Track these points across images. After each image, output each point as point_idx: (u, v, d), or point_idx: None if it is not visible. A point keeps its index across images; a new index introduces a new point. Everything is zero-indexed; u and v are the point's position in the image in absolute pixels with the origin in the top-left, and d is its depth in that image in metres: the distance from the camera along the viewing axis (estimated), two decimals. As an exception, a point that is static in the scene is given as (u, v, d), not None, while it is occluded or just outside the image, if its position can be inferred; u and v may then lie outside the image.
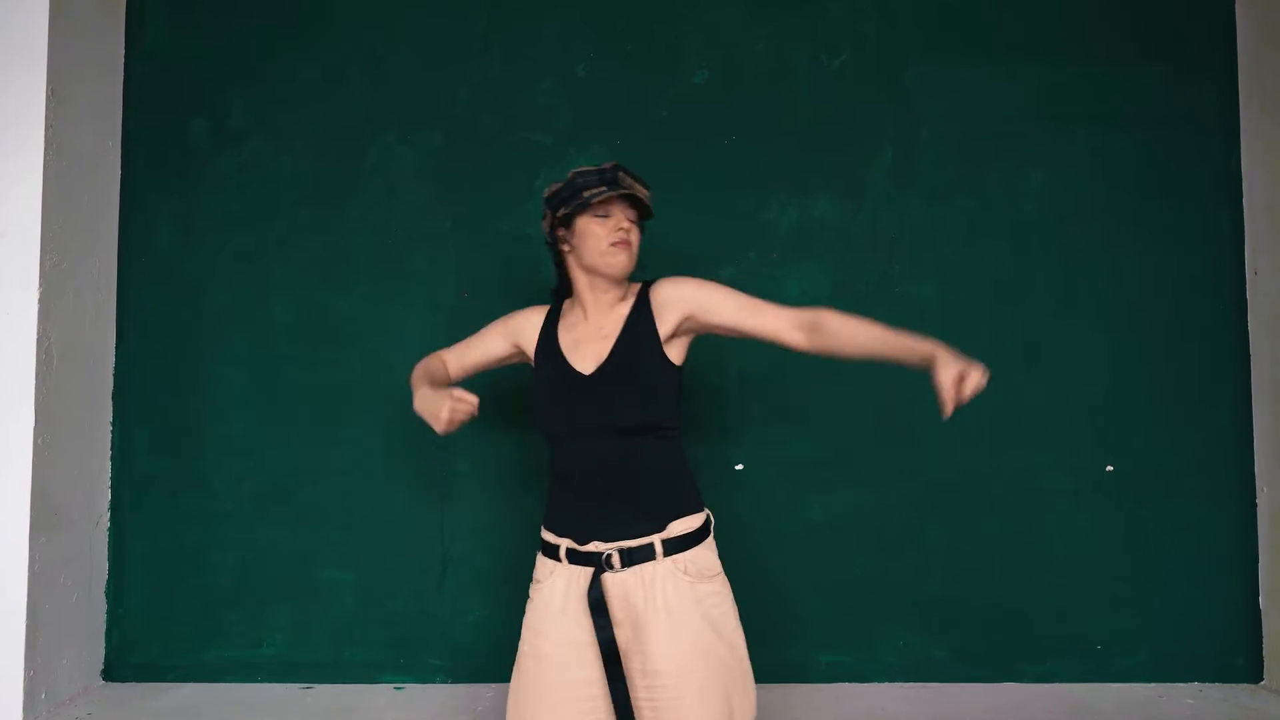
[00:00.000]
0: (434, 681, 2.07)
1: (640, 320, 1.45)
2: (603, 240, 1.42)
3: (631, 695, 1.32)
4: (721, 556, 2.03)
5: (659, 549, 1.35)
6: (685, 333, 1.47)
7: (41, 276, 1.86)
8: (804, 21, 2.15)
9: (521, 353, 1.58)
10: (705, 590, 1.36)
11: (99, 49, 2.06)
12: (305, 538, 2.09)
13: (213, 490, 2.09)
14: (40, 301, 1.85)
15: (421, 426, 2.07)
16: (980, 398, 2.07)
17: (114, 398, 2.10)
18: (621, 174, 1.46)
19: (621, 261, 1.43)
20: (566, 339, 1.49)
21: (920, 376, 2.09)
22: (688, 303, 1.44)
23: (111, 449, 2.09)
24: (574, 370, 1.44)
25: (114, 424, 2.10)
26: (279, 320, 2.11)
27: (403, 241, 2.12)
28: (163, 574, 2.09)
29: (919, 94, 2.14)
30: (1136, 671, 2.07)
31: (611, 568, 1.34)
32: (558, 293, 1.60)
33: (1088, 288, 2.12)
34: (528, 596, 1.43)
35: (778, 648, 2.07)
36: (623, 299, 1.50)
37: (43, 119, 1.86)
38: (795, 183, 2.13)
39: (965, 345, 2.08)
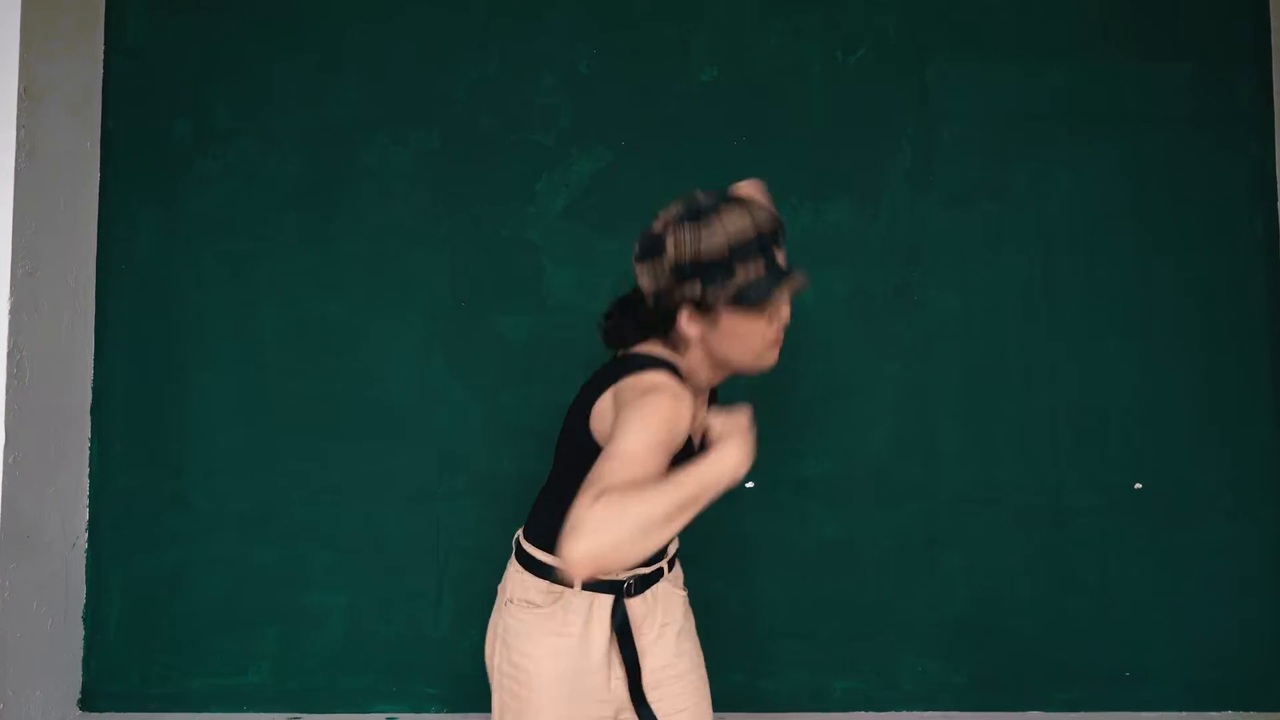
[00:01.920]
0: (429, 711, 1.97)
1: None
2: (761, 339, 1.13)
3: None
4: (732, 577, 1.99)
5: (665, 569, 1.37)
6: None
7: (13, 285, 1.75)
8: (819, 16, 2.05)
9: None
10: (686, 597, 1.41)
11: (76, 44, 1.95)
12: (294, 559, 1.99)
13: (196, 509, 1.99)
14: (11, 312, 1.75)
15: (416, 443, 2.03)
16: (1004, 411, 2.03)
17: (92, 412, 2.00)
18: (792, 273, 1.11)
19: (772, 359, 1.18)
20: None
21: (942, 388, 2.04)
22: None
23: (89, 466, 1.99)
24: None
25: (92, 440, 2.00)
26: (267, 330, 2.01)
27: (397, 247, 2.02)
28: (143, 598, 1.98)
29: (939, 92, 2.05)
30: (1168, 699, 1.97)
31: (629, 594, 1.31)
32: (660, 339, 1.22)
33: (1116, 295, 2.03)
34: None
35: (790, 674, 1.98)
36: None
37: (14, 119, 1.76)
38: (809, 185, 2.03)
39: (988, 355, 2.03)
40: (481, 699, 1.95)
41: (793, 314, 1.99)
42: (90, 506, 1.99)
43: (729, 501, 1.94)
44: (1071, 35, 2.05)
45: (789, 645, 1.99)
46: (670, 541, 1.35)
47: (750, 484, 1.99)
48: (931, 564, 2.00)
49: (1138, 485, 2.00)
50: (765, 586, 1.99)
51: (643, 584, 1.33)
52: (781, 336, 1.17)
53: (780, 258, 1.13)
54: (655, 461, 0.97)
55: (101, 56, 2.03)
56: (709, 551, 1.99)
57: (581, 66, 2.05)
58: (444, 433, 2.00)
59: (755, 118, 2.04)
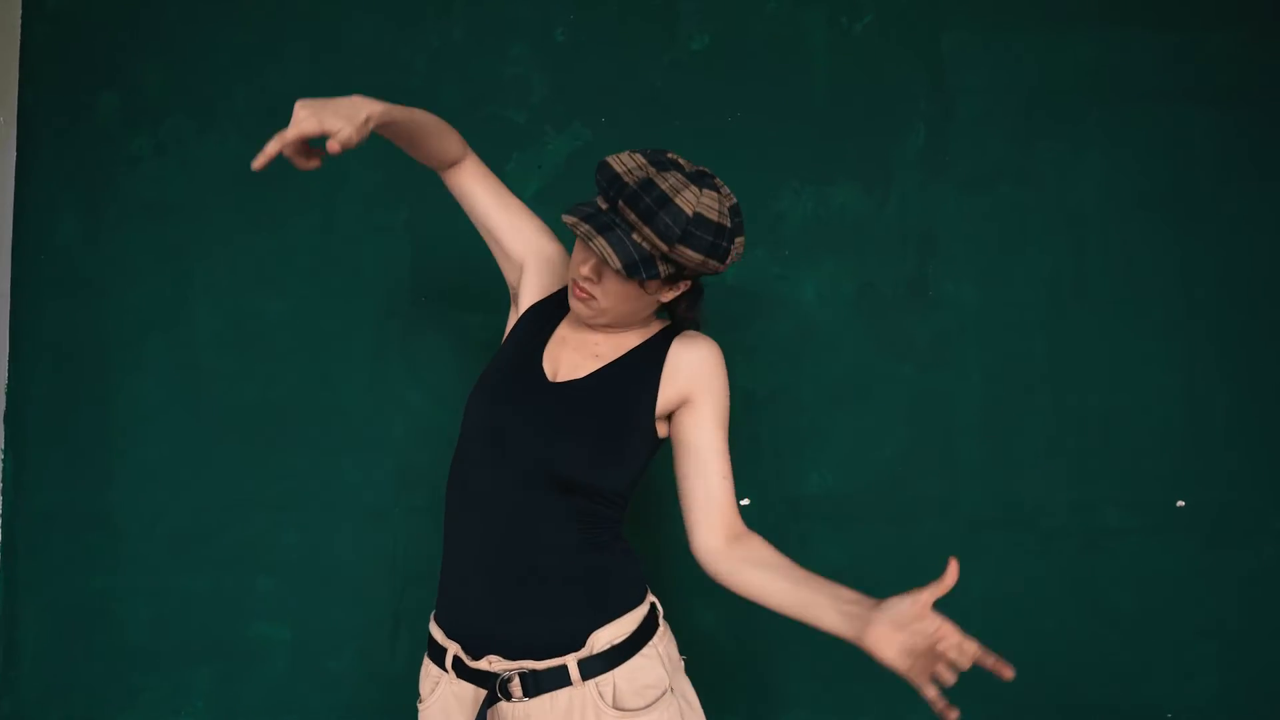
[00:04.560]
0: (383, 757, 1.77)
1: (645, 363, 1.15)
2: (571, 271, 1.13)
3: None
4: (726, 608, 1.78)
5: (574, 673, 1.02)
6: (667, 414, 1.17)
7: (-95, 277, 1.55)
8: (821, -23, 1.86)
9: (520, 273, 1.30)
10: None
11: (-14, 7, 1.76)
12: (232, 586, 1.79)
13: (123, 529, 1.79)
14: (-100, 307, 1.55)
15: (371, 455, 1.83)
16: (1031, 421, 1.82)
17: (5, 420, 1.80)
18: (622, 205, 1.04)
19: (580, 311, 1.14)
20: (561, 326, 1.21)
21: (959, 394, 1.85)
22: (691, 384, 1.14)
23: (2, 481, 1.79)
24: (539, 371, 1.13)
25: (5, 452, 1.80)
26: (203, 329, 1.81)
27: (349, 236, 1.82)
28: (63, 629, 1.79)
29: (956, 64, 1.84)
30: (1214, 743, 1.77)
31: (509, 696, 1.02)
32: None
33: (1154, 290, 1.83)
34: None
35: (792, 715, 1.79)
36: (633, 329, 1.20)
37: (-92, 88, 1.56)
38: (811, 167, 1.83)
39: (1010, 357, 1.81)
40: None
41: (793, 311, 1.82)
42: (2, 526, 1.79)
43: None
44: (1103, 1, 1.85)
45: (790, 683, 1.79)
46: (590, 626, 1.07)
47: (745, 501, 1.78)
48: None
49: (1180, 503, 1.80)
50: (763, 619, 1.74)
51: (534, 685, 1.03)
52: (580, 290, 1.10)
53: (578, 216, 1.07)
54: None
55: (18, 21, 1.83)
56: (700, 580, 1.78)
57: (556, 34, 1.85)
58: (402, 444, 1.80)
59: (751, 92, 1.84)
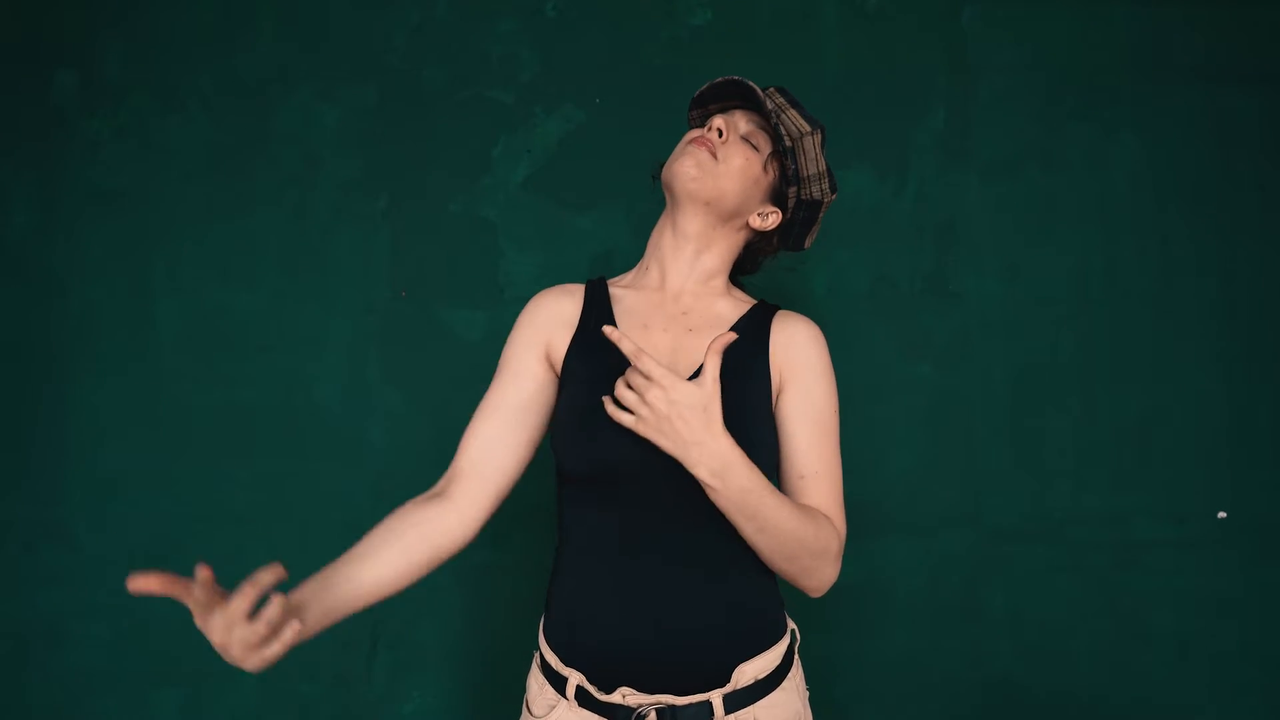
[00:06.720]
0: (360, 789, 1.64)
1: (750, 340, 1.05)
2: (681, 145, 1.10)
3: None
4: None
5: (719, 709, 0.95)
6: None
7: None
8: (833, -54, 1.73)
9: (551, 369, 1.10)
10: None
11: (-71, -23, 1.63)
12: (197, 604, 1.66)
13: (79, 543, 1.67)
14: None
15: (347, 462, 1.70)
16: (1060, 426, 1.69)
17: (-49, 425, 1.67)
18: (773, 90, 1.17)
19: (685, 166, 1.05)
20: (627, 309, 1.09)
21: (982, 396, 1.71)
22: (785, 366, 1.04)
23: (-53, 491, 1.67)
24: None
25: (-49, 459, 1.67)
26: (166, 326, 1.69)
27: (323, 226, 1.70)
28: (12, 651, 1.66)
29: (978, 40, 1.72)
30: (1258, 774, 1.65)
31: None
32: None
33: (1192, 284, 1.71)
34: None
35: None
36: (722, 290, 1.13)
37: None
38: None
39: (1037, 356, 1.66)
40: (423, 774, 1.64)
41: (803, 306, 1.70)
42: (-53, 540, 1.66)
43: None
44: (1137, -28, 1.74)
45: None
46: (737, 657, 0.97)
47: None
48: (970, 610, 1.68)
49: (1221, 514, 1.68)
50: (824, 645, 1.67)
51: None
52: (700, 139, 1.08)
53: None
54: None
55: (-35, -6, 1.70)
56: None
57: (547, 8, 1.72)
58: (380, 450, 1.68)
59: (756, 71, 1.68)
